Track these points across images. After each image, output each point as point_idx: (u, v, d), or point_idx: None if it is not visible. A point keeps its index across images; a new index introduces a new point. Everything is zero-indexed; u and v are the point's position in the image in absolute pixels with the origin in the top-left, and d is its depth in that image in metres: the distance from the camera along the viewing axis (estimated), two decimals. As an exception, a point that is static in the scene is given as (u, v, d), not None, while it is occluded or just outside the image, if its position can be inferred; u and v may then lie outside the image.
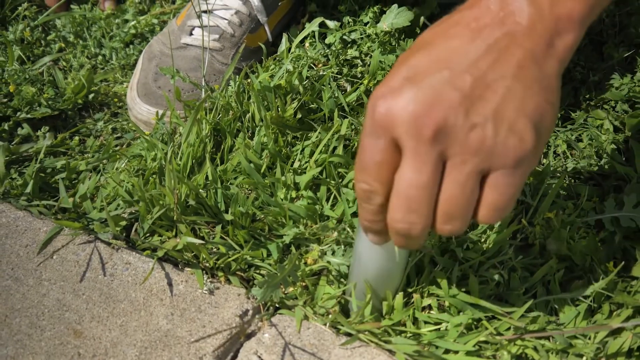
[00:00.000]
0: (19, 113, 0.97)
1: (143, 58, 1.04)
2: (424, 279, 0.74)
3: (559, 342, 0.69)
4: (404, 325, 0.71)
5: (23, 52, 1.07)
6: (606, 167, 0.88)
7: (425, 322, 0.72)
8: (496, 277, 0.74)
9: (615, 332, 0.70)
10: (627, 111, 0.94)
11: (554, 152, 0.91)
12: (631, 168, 0.87)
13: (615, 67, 0.99)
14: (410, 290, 0.73)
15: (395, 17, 0.99)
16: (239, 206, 0.80)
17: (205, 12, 1.03)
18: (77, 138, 0.97)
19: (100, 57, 1.11)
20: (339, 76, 1.00)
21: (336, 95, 0.93)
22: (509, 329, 0.70)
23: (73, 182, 0.90)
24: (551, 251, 0.75)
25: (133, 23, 1.16)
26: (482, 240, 0.78)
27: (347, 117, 0.90)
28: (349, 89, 0.98)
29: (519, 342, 0.69)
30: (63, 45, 1.12)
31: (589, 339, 0.70)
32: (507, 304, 0.73)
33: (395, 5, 1.00)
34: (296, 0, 1.13)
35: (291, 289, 0.75)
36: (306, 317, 0.72)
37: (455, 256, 0.76)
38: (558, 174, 0.86)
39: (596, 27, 1.02)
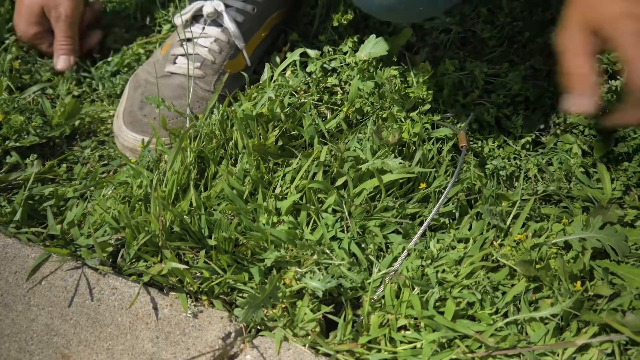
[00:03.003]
0: (7, 141, 1.00)
1: (129, 87, 1.07)
2: (400, 301, 0.77)
3: (528, 359, 0.72)
4: (379, 344, 0.74)
5: (12, 82, 1.10)
6: (575, 189, 0.92)
7: (401, 342, 0.75)
8: (469, 298, 0.78)
9: (583, 349, 0.74)
10: (594, 135, 0.98)
11: (525, 176, 0.95)
12: (599, 190, 0.91)
13: (584, 93, 1.04)
14: (386, 312, 0.77)
15: (373, 47, 1.03)
16: (222, 231, 0.83)
17: (187, 40, 1.06)
18: (64, 165, 0.99)
19: (87, 87, 1.14)
20: (319, 103, 1.04)
21: (316, 122, 0.97)
22: (480, 347, 0.73)
23: (61, 209, 0.92)
24: (521, 272, 0.79)
25: (119, 53, 1.19)
26: (456, 263, 0.81)
27: (327, 144, 0.94)
28: (329, 115, 1.02)
29: (490, 359, 0.72)
30: (51, 76, 1.15)
31: (558, 355, 0.73)
32: (479, 324, 0.76)
33: (373, 36, 1.04)
34: (274, 26, 1.17)
35: (272, 310, 0.78)
36: (286, 339, 0.75)
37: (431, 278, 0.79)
38: (529, 197, 0.90)
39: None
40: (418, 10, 0.89)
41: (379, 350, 0.74)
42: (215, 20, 1.07)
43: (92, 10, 1.23)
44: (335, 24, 1.10)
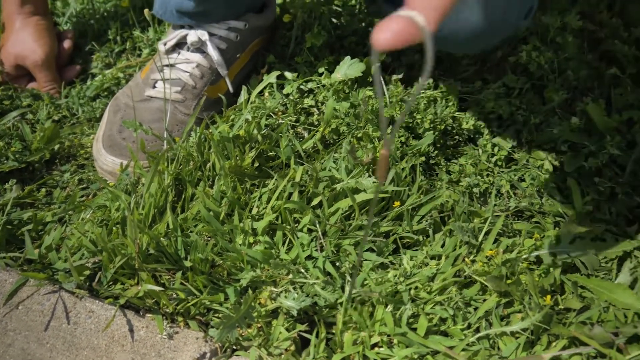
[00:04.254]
0: (-14, 167, 1.01)
1: (109, 111, 1.08)
2: (374, 319, 0.78)
3: (499, 374, 0.73)
4: (354, 362, 0.76)
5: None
6: (546, 205, 0.94)
7: (374, 359, 0.76)
8: (442, 314, 0.79)
9: (553, 363, 0.75)
10: (565, 151, 1.00)
11: (498, 192, 0.97)
12: (569, 206, 0.93)
13: (556, 110, 1.06)
14: (359, 330, 0.78)
15: (348, 68, 1.05)
16: (198, 253, 0.84)
17: (167, 66, 1.08)
18: (44, 190, 1.00)
19: (66, 111, 1.15)
20: (296, 124, 1.05)
21: (293, 143, 0.98)
22: (452, 362, 0.74)
23: (39, 233, 0.93)
24: (492, 288, 0.80)
25: (99, 77, 1.21)
26: (429, 280, 0.83)
27: (304, 164, 0.95)
28: (306, 136, 1.04)
29: (462, 375, 0.73)
30: (31, 101, 1.16)
31: (528, 370, 0.74)
32: (451, 339, 0.77)
33: (348, 57, 1.06)
34: (255, 52, 1.19)
35: (248, 330, 0.79)
36: (261, 358, 0.76)
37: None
38: (501, 213, 0.92)
39: (537, 73, 1.09)
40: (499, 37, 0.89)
41: (353, 368, 0.75)
42: (199, 47, 1.09)
43: (67, 41, 1.26)
44: (309, 45, 1.12)
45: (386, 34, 0.43)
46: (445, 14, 0.45)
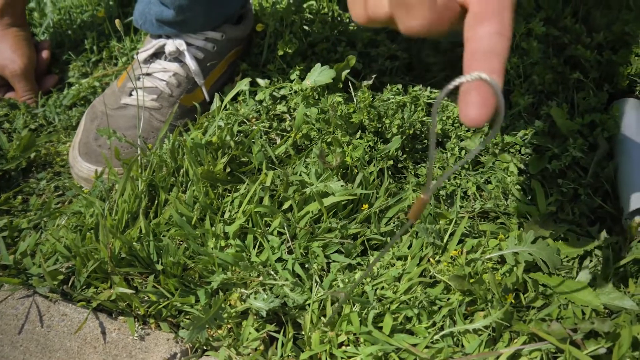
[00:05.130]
0: (-37, 176, 1.02)
1: (85, 118, 1.10)
2: (341, 318, 0.80)
3: (462, 370, 0.75)
4: (321, 359, 0.78)
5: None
6: (511, 206, 0.97)
7: (341, 358, 0.78)
8: (407, 313, 0.81)
9: (514, 358, 0.77)
10: (530, 154, 1.03)
11: (465, 194, 0.99)
12: (533, 207, 0.96)
13: (522, 113, 1.09)
14: (326, 329, 0.80)
15: (319, 75, 1.08)
16: (170, 256, 0.86)
17: (144, 75, 1.10)
18: (20, 197, 1.02)
19: (43, 120, 1.17)
20: (269, 130, 1.08)
21: (265, 148, 1.00)
22: (415, 359, 0.76)
23: (15, 239, 0.95)
24: (455, 287, 0.82)
25: (76, 86, 1.23)
26: (396, 280, 0.85)
27: (276, 169, 0.97)
28: (279, 141, 1.06)
29: (425, 371, 0.76)
30: (8, 110, 1.17)
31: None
32: (416, 337, 0.79)
33: (318, 64, 1.09)
34: (232, 62, 1.21)
35: (218, 331, 0.80)
36: (231, 358, 0.78)
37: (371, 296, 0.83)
38: (466, 214, 0.94)
39: (504, 78, 1.11)
40: None
41: (321, 366, 0.77)
42: (177, 57, 1.12)
43: (45, 51, 1.27)
44: (281, 52, 1.14)
45: (475, 110, 0.45)
46: (506, 60, 0.47)
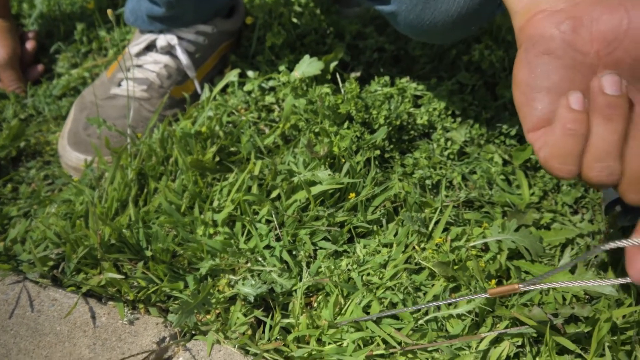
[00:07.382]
0: (-47, 165, 1.03)
1: (75, 108, 1.11)
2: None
3: (445, 353, 0.77)
4: (308, 343, 0.79)
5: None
6: (496, 195, 0.98)
7: (329, 343, 0.79)
8: (393, 298, 0.83)
9: (497, 342, 0.79)
10: (514, 145, 1.04)
11: (450, 184, 1.01)
12: (517, 196, 0.98)
13: (507, 105, 1.11)
14: (315, 314, 0.81)
15: (307, 66, 1.09)
16: (159, 243, 0.87)
17: (135, 66, 1.11)
18: (10, 186, 1.03)
19: (33, 110, 1.18)
20: (258, 120, 1.09)
21: (254, 138, 1.02)
22: (400, 343, 0.78)
23: (5, 226, 0.96)
24: (439, 273, 0.84)
25: (65, 76, 1.23)
26: (381, 267, 0.87)
27: (264, 158, 0.99)
28: (267, 131, 1.07)
29: (410, 355, 0.77)
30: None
31: (474, 349, 0.78)
32: (401, 322, 0.81)
33: (307, 56, 1.10)
34: (223, 55, 1.22)
35: (207, 316, 0.82)
36: (218, 342, 0.79)
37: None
38: (451, 203, 0.96)
39: (489, 70, 1.14)
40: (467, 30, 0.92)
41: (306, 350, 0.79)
42: (168, 51, 1.13)
43: (30, 42, 1.28)
44: (269, 44, 1.16)
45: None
46: None
